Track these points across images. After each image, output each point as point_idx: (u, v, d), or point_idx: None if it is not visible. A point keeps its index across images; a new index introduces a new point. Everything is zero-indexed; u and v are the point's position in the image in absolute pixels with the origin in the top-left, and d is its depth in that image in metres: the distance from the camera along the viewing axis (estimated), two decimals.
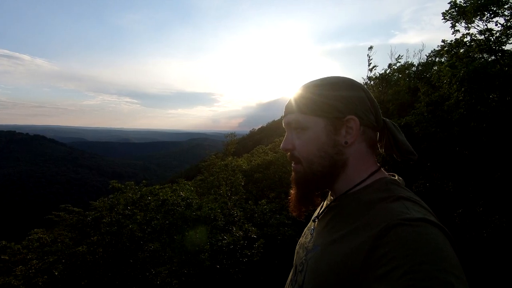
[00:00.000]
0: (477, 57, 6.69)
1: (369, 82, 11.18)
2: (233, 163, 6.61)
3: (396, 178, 0.67)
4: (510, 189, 5.03)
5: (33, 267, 3.73)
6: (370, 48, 10.91)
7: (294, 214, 0.72)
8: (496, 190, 5.20)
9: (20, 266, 3.77)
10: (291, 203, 0.72)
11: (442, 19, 6.83)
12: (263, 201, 5.77)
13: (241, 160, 9.33)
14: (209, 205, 4.17)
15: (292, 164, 0.70)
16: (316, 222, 0.72)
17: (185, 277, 3.68)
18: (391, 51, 11.96)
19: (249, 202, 5.87)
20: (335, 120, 0.65)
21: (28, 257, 3.82)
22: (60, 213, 5.08)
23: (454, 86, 6.08)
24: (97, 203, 5.11)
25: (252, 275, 4.04)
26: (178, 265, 3.87)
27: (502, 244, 4.37)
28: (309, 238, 0.71)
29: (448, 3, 6.65)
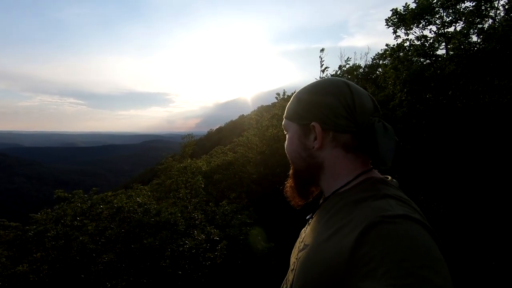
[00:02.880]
0: (415, 60, 7.42)
1: None
2: (192, 165, 6.45)
3: (388, 178, 0.68)
4: (446, 178, 5.66)
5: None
6: (322, 50, 11.46)
7: (291, 203, 0.80)
8: (435, 180, 5.81)
9: None
10: (287, 193, 0.79)
11: (385, 25, 7.44)
12: (224, 202, 5.72)
13: (200, 162, 9.15)
14: (168, 209, 4.00)
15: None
16: (309, 222, 0.75)
17: (145, 287, 3.49)
18: (340, 53, 12.70)
19: (210, 204, 5.77)
20: (303, 126, 0.70)
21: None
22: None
23: (398, 87, 6.66)
24: (38, 215, 4.60)
25: (216, 278, 3.97)
26: (136, 275, 3.66)
27: (440, 227, 4.89)
28: (302, 238, 0.73)
29: (390, 11, 7.28)
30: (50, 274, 3.90)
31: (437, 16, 6.77)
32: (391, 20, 7.28)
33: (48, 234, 3.94)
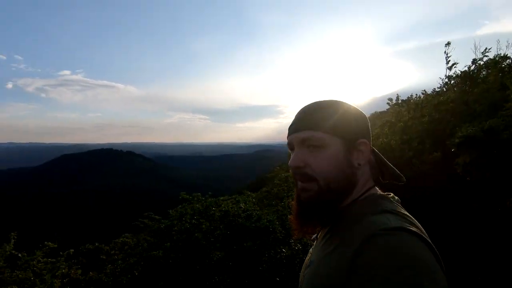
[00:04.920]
0: None
1: (448, 82, 10.00)
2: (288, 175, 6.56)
3: (391, 195, 0.70)
4: None
5: (118, 267, 4.31)
6: (448, 44, 9.76)
7: (297, 235, 0.73)
8: None
9: (109, 265, 4.39)
10: (294, 224, 0.73)
11: None
12: None
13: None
14: (268, 217, 4.22)
15: (300, 183, 0.70)
16: (316, 240, 0.76)
17: (246, 287, 3.77)
18: (475, 45, 10.45)
19: None
20: (350, 142, 0.69)
21: (115, 257, 4.44)
22: (145, 220, 5.75)
23: None
24: (172, 212, 5.66)
25: None
26: (240, 274, 3.99)
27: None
28: (309, 256, 0.75)
29: None
30: (175, 262, 4.72)
31: None
32: None
33: (175, 228, 4.80)
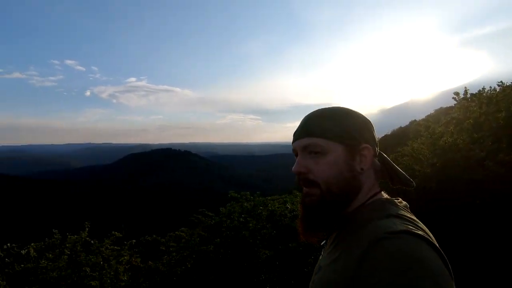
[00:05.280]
0: None
1: None
2: None
3: (398, 200, 0.71)
4: None
5: (173, 258, 4.63)
6: None
7: (302, 238, 0.77)
8: None
9: (166, 256, 4.74)
10: (299, 228, 0.76)
11: None
12: None
13: None
14: None
15: (304, 188, 0.73)
16: (324, 246, 0.77)
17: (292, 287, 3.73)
18: None
19: None
20: (352, 147, 0.69)
21: (171, 249, 4.79)
22: (199, 216, 6.09)
23: None
24: (222, 209, 5.91)
25: None
26: (287, 274, 3.97)
27: None
28: (318, 262, 0.77)
29: None
30: (224, 256, 4.90)
31: None
32: None
33: (224, 225, 4.98)
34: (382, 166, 0.75)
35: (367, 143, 0.70)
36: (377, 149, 0.74)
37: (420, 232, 0.55)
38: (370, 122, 0.74)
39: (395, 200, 0.70)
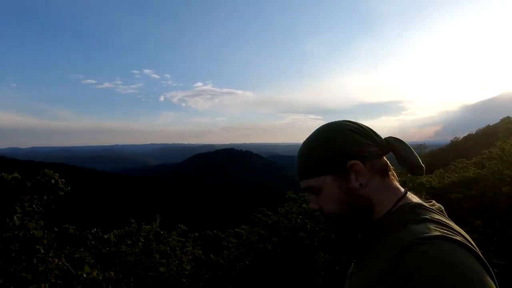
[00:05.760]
0: None
1: None
2: (415, 180, 5.73)
3: (427, 202, 0.67)
4: None
5: (232, 254, 4.82)
6: None
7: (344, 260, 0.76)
8: None
9: (225, 251, 4.97)
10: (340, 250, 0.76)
11: None
12: (467, 229, 4.59)
13: (429, 177, 7.85)
14: None
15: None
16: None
17: None
18: None
19: None
20: (339, 172, 0.67)
21: (230, 245, 5.01)
22: (259, 215, 6.23)
23: None
24: (280, 209, 5.94)
25: None
26: (345, 281, 3.78)
27: None
28: (350, 269, 0.75)
29: None
30: (282, 256, 4.91)
31: None
32: None
33: (281, 225, 4.98)
34: (396, 155, 0.71)
35: (354, 158, 0.66)
36: (377, 148, 0.69)
37: (458, 238, 0.52)
38: (352, 129, 0.69)
39: (427, 203, 0.66)
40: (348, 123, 0.71)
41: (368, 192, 0.67)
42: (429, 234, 0.53)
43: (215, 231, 5.64)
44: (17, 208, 1.19)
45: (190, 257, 4.88)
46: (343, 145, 0.68)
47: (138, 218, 5.24)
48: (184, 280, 4.35)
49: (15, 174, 1.33)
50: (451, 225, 0.58)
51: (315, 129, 0.75)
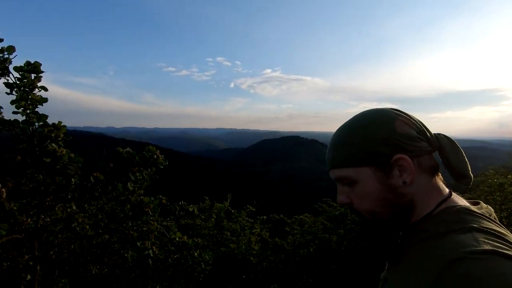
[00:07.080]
0: None
1: None
2: (500, 181, 4.88)
3: (474, 206, 0.58)
4: None
5: (297, 240, 4.92)
6: None
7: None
8: None
9: (290, 236, 5.09)
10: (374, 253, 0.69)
11: None
12: None
13: None
14: None
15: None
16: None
17: None
18: None
19: None
20: (383, 165, 0.58)
21: (295, 231, 5.11)
22: (323, 205, 6.18)
23: None
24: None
25: None
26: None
27: None
28: (383, 273, 0.69)
29: None
30: (347, 249, 4.80)
31: None
32: None
33: (349, 217, 4.84)
34: (442, 156, 0.62)
35: (401, 151, 0.57)
36: (427, 144, 0.60)
37: (509, 252, 0.44)
38: (403, 119, 0.60)
39: (474, 207, 0.56)
40: (398, 111, 0.62)
41: (411, 192, 0.59)
42: (477, 248, 0.45)
43: (281, 215, 5.80)
44: (131, 175, 1.43)
45: (258, 238, 5.14)
46: (391, 135, 0.58)
47: (210, 195, 5.70)
48: (252, 258, 4.63)
49: (127, 149, 1.60)
50: (505, 235, 0.49)
51: (358, 112, 0.66)
